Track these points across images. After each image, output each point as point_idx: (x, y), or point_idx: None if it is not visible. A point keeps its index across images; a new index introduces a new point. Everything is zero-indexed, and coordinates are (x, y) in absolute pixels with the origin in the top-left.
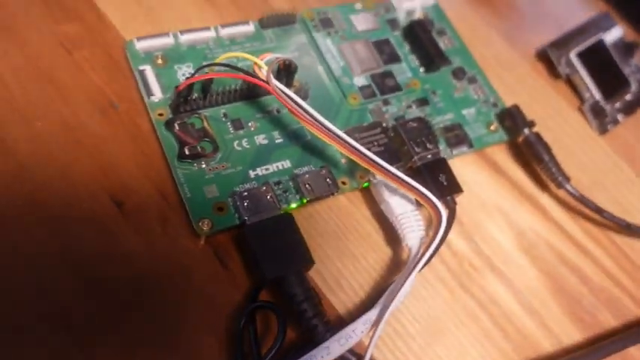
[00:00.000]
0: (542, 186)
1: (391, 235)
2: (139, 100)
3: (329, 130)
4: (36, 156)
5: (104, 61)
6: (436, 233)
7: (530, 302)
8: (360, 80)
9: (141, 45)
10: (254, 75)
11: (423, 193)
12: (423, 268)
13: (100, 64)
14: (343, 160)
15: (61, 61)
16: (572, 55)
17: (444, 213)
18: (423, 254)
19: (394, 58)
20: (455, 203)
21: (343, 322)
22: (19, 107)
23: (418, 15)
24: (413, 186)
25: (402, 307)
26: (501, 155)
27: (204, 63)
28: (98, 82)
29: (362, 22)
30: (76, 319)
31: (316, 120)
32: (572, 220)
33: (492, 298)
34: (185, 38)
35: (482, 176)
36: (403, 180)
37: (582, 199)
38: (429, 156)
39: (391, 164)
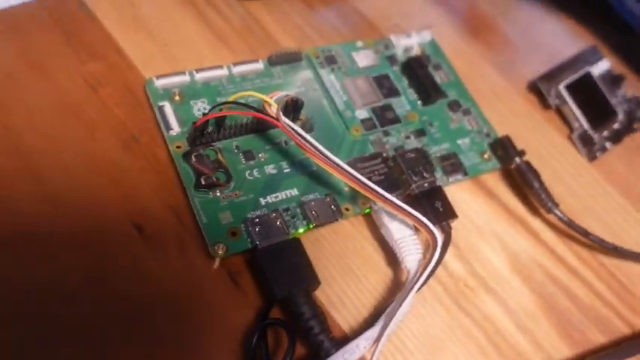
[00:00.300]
0: (534, 211)
1: (391, 258)
2: (157, 133)
3: (333, 162)
4: (63, 183)
5: (126, 97)
6: (432, 256)
7: (522, 320)
8: (361, 113)
9: (160, 83)
10: (264, 112)
11: (419, 219)
12: (420, 288)
13: (122, 100)
14: (346, 188)
15: (86, 97)
16: (562, 88)
17: (440, 237)
18: (420, 275)
19: (393, 92)
20: (450, 228)
21: (347, 338)
22: (49, 139)
23: (415, 51)
24: (410, 212)
25: (401, 325)
26: (494, 182)
27: (219, 101)
28: (120, 117)
29: (363, 58)
30: (93, 332)
31: (321, 153)
32: (562, 243)
33: (487, 317)
34: (200, 76)
35: (476, 202)
36: (401, 207)
37: (571, 224)
38: (426, 184)
39: (391, 192)
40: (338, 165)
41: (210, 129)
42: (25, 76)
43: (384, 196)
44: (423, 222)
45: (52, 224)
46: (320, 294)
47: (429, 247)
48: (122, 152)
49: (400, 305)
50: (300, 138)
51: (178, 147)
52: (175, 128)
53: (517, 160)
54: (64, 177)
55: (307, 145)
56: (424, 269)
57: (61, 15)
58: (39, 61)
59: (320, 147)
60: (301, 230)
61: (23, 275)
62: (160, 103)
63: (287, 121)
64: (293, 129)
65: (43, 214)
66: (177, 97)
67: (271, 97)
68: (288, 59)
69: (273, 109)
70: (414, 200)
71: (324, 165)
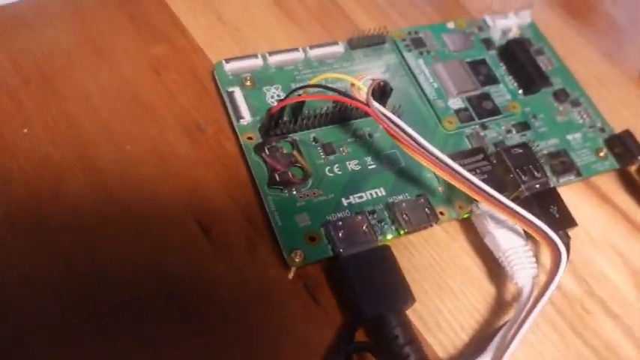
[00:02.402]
0: None
1: (494, 271)
2: (225, 123)
3: (434, 155)
4: (125, 178)
5: (191, 82)
6: (555, 273)
7: None
8: (455, 103)
9: (230, 67)
10: (351, 96)
11: (538, 227)
12: (539, 312)
13: (187, 86)
14: (440, 189)
15: (149, 83)
16: None
17: (564, 251)
18: (540, 296)
19: (491, 79)
20: (569, 238)
21: None
22: (109, 129)
23: (514, 34)
24: (527, 218)
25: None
26: (610, 185)
27: (298, 85)
28: (185, 104)
29: (455, 41)
30: (154, 334)
31: (420, 145)
32: None
33: (608, 346)
34: (274, 60)
35: (591, 208)
36: (516, 212)
37: None
38: (538, 185)
39: None
40: (440, 159)
41: (285, 118)
42: (86, 59)
43: (495, 198)
44: (543, 230)
45: (111, 220)
46: (410, 312)
47: (544, 261)
48: (186, 143)
49: (516, 332)
50: (394, 127)
51: (250, 138)
52: (247, 117)
53: None
54: (123, 167)
55: (402, 135)
56: (545, 289)
57: None
58: (101, 44)
59: (418, 137)
60: (389, 237)
61: (71, 264)
62: (230, 89)
63: (379, 106)
64: (386, 116)
65: (101, 210)
66: (248, 83)
67: (358, 81)
68: (371, 42)
69: (362, 94)
70: (523, 204)
71: (422, 159)
